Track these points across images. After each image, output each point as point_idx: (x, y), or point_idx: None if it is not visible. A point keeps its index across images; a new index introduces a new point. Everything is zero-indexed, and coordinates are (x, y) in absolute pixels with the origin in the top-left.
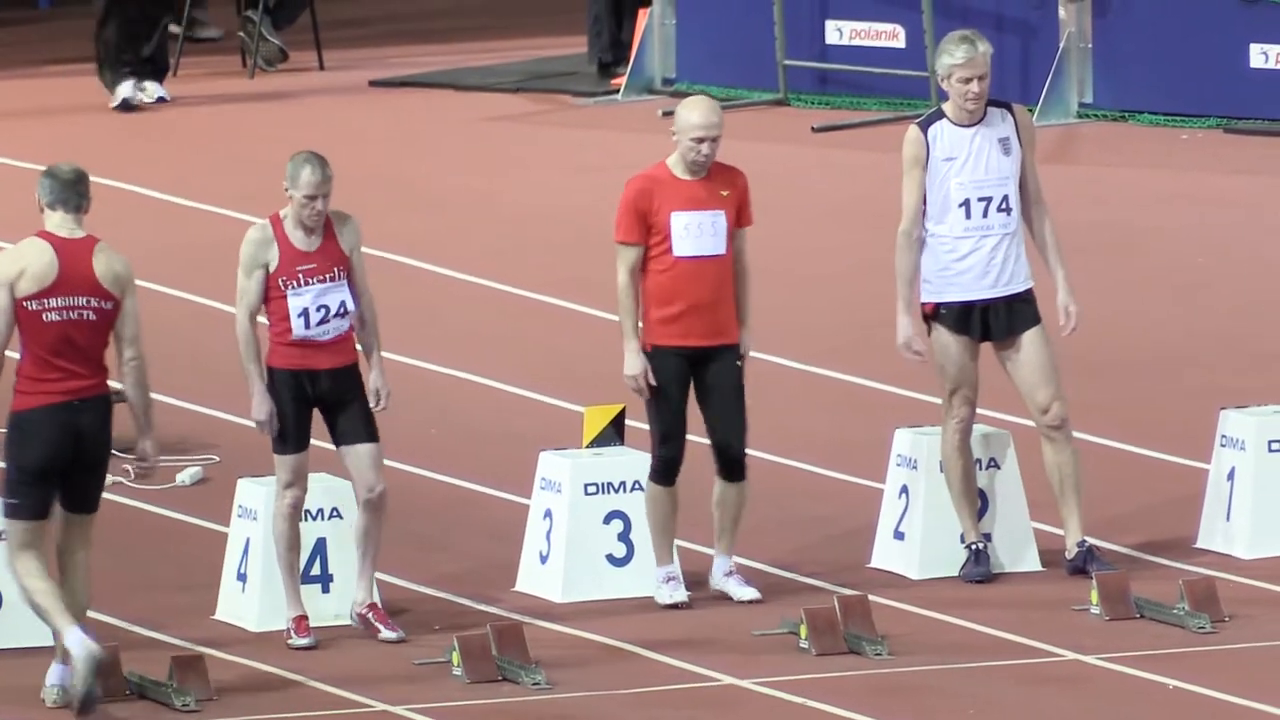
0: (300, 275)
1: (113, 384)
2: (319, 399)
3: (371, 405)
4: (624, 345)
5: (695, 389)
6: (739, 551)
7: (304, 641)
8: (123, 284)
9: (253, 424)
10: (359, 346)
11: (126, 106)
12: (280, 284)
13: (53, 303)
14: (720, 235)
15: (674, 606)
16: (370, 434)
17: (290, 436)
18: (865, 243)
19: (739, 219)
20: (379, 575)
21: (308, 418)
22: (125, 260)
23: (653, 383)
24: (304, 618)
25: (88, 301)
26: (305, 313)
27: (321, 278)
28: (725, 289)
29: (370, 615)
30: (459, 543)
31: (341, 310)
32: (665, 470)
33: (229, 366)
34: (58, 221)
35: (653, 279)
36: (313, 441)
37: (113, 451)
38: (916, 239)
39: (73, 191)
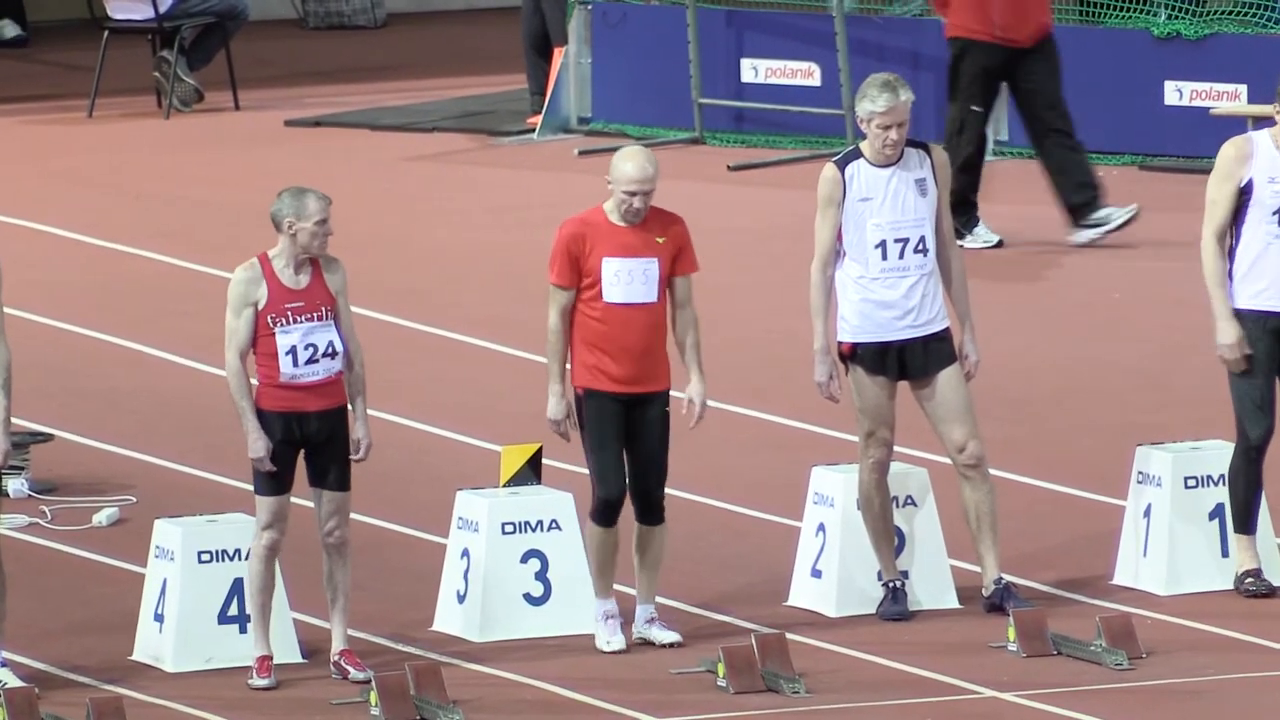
0: (289, 313)
1: (37, 427)
2: (306, 440)
3: (351, 454)
4: (548, 387)
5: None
6: (658, 590)
7: (264, 682)
8: None
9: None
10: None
11: None
12: (269, 321)
13: None
14: (652, 283)
15: (613, 652)
16: (343, 483)
17: (273, 479)
18: (782, 281)
19: (678, 266)
20: (299, 616)
21: (293, 461)
22: None
23: (574, 427)
24: (268, 658)
25: None
26: (293, 351)
27: (310, 316)
28: (656, 336)
29: (342, 660)
30: (376, 582)
31: (330, 350)
32: (604, 511)
33: (146, 407)
34: None
35: (583, 322)
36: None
37: (29, 493)
38: (829, 276)
39: None
